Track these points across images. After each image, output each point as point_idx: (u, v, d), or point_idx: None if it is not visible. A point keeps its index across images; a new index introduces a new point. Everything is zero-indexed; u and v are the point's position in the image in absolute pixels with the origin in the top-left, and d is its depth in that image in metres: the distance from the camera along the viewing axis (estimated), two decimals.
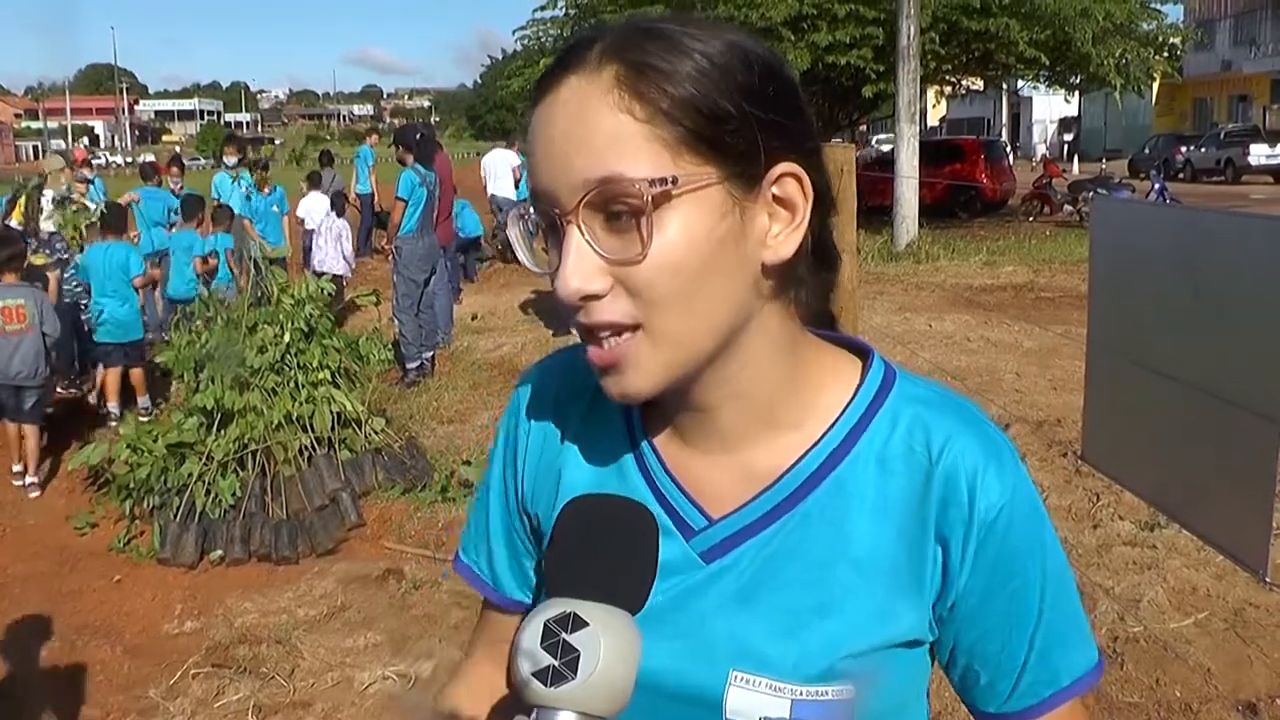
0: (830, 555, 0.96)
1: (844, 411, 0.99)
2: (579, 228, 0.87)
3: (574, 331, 0.94)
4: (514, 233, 0.97)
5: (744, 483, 0.99)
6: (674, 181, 0.85)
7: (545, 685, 0.81)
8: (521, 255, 0.96)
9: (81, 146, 18.67)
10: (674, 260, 0.86)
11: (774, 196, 0.91)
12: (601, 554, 0.89)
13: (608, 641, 0.82)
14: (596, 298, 0.88)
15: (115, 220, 8.92)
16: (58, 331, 7.56)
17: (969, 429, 0.97)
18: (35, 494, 6.90)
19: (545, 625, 0.83)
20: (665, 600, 0.96)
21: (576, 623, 0.83)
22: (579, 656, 0.81)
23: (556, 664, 0.81)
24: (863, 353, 1.04)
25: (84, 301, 8.74)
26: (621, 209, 0.86)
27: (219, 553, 5.66)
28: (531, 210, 0.93)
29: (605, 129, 0.86)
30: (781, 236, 0.92)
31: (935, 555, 0.95)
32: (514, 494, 1.12)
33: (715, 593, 0.97)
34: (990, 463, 0.95)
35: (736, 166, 0.88)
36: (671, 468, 1.02)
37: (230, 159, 13.18)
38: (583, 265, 0.87)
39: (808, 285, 0.98)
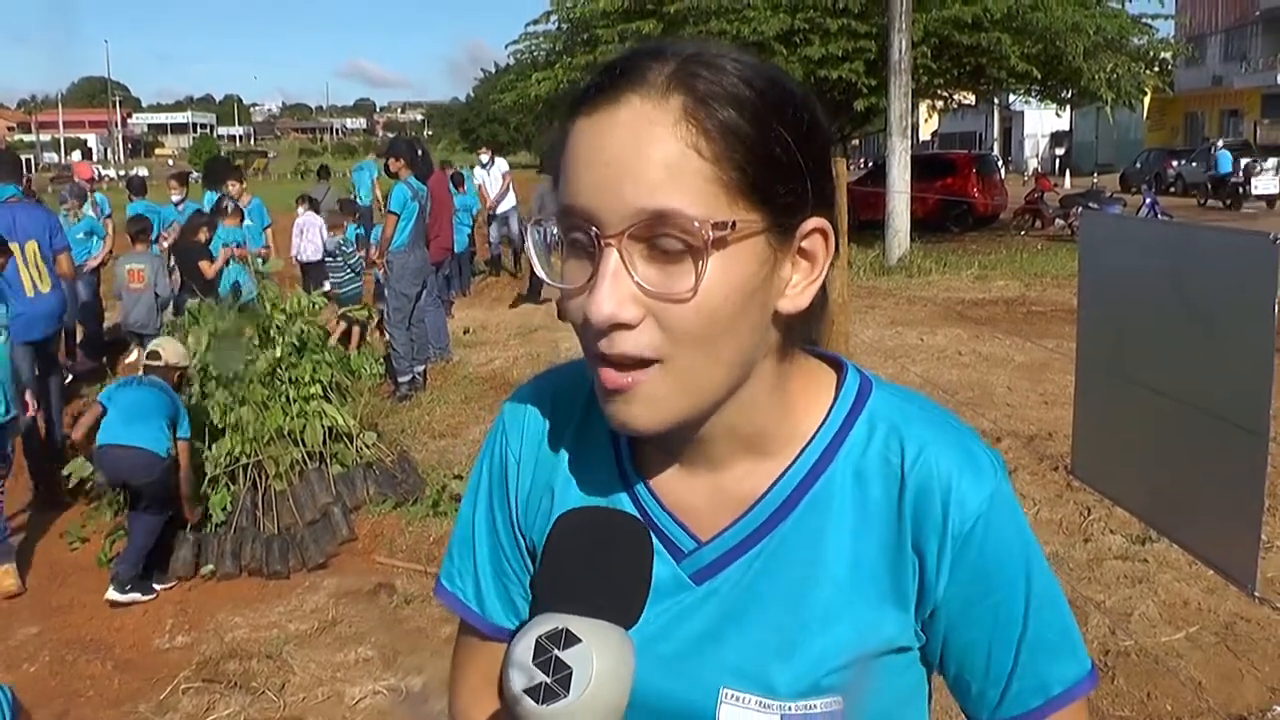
0: (813, 571, 0.96)
1: (820, 428, 0.99)
2: (620, 254, 0.85)
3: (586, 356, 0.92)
4: (532, 241, 0.94)
5: (728, 504, 0.99)
6: (732, 227, 0.84)
7: (538, 702, 0.80)
8: (539, 267, 0.94)
9: (88, 164, 18.67)
10: (713, 303, 0.86)
11: (800, 249, 0.92)
12: (595, 568, 0.88)
13: (600, 658, 0.82)
14: (626, 327, 0.86)
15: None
16: (167, 292, 9.81)
17: (944, 438, 0.97)
18: None
19: (537, 641, 0.82)
20: (659, 623, 0.96)
21: (569, 639, 0.82)
22: (571, 673, 0.81)
23: (549, 681, 0.81)
24: (839, 366, 1.04)
25: None
26: (672, 245, 0.85)
27: (210, 567, 5.64)
28: (553, 224, 0.91)
29: (667, 160, 0.84)
30: (800, 288, 0.93)
31: (913, 566, 0.96)
32: (505, 517, 1.10)
33: (706, 613, 0.98)
34: (965, 473, 0.95)
35: (780, 218, 0.88)
36: (658, 490, 1.02)
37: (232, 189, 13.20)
38: (618, 292, 0.85)
39: (804, 326, 0.98)
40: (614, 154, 0.85)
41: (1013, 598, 0.96)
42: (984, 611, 0.96)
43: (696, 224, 0.83)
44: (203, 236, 10.69)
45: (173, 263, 10.81)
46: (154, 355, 5.75)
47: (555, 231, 0.91)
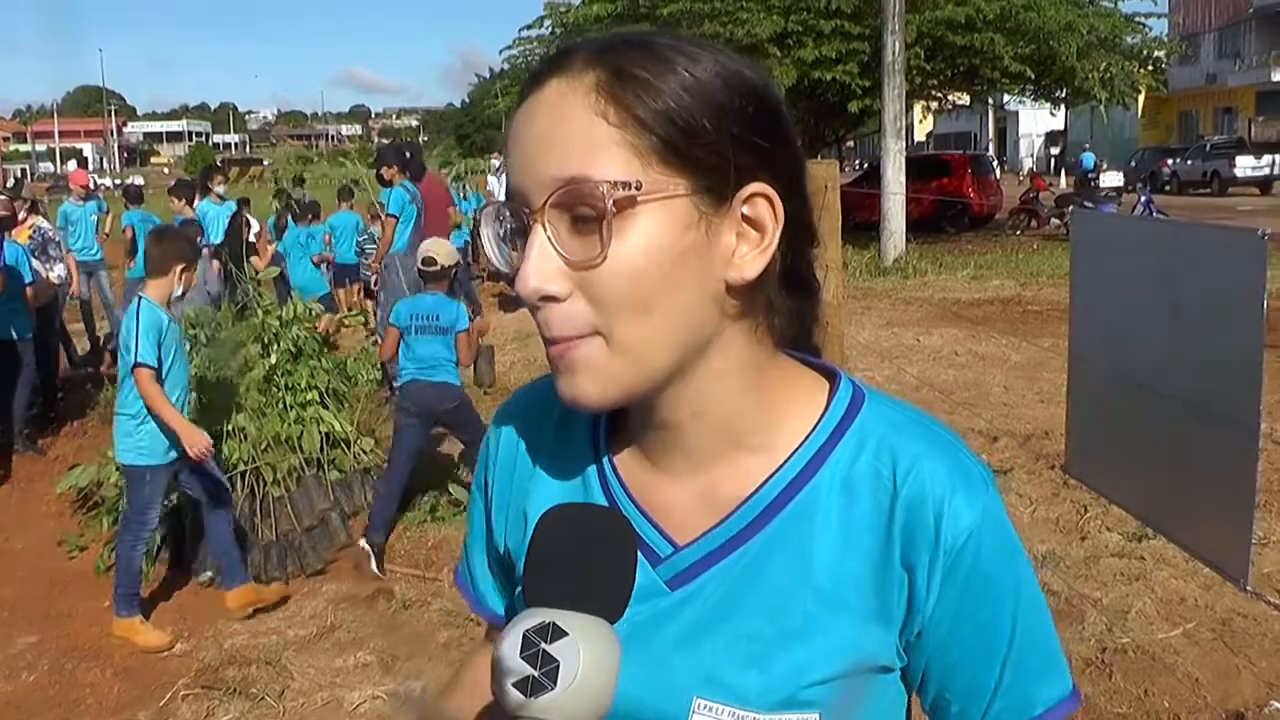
0: (793, 582, 0.94)
1: (809, 435, 0.97)
2: (544, 227, 0.87)
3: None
4: (487, 232, 0.95)
5: (708, 508, 0.97)
6: (638, 187, 0.85)
7: (525, 695, 0.81)
8: (492, 254, 0.95)
9: (86, 173, 18.53)
10: (633, 266, 0.86)
11: (744, 216, 0.90)
12: (580, 563, 0.87)
13: (587, 651, 0.82)
14: (555, 300, 0.87)
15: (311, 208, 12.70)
16: (206, 282, 10.10)
17: (937, 453, 0.94)
18: None
19: (524, 635, 0.82)
20: (631, 626, 0.93)
21: (556, 632, 0.82)
22: (558, 666, 0.81)
23: (536, 674, 0.81)
24: (832, 375, 1.02)
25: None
26: (587, 212, 0.85)
27: (209, 574, 5.64)
28: (507, 210, 0.92)
29: (579, 131, 0.86)
30: (748, 257, 0.90)
31: (901, 582, 0.93)
32: (486, 531, 1.14)
33: (681, 620, 0.96)
34: (958, 488, 0.92)
35: (706, 181, 0.87)
36: (635, 493, 1.00)
37: (219, 188, 13.17)
38: (544, 265, 0.87)
39: (780, 312, 0.96)
40: (535, 133, 0.88)
41: (1000, 614, 0.94)
42: (971, 629, 0.94)
43: (600, 187, 0.84)
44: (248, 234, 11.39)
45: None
46: (430, 262, 6.08)
47: (510, 220, 0.93)
